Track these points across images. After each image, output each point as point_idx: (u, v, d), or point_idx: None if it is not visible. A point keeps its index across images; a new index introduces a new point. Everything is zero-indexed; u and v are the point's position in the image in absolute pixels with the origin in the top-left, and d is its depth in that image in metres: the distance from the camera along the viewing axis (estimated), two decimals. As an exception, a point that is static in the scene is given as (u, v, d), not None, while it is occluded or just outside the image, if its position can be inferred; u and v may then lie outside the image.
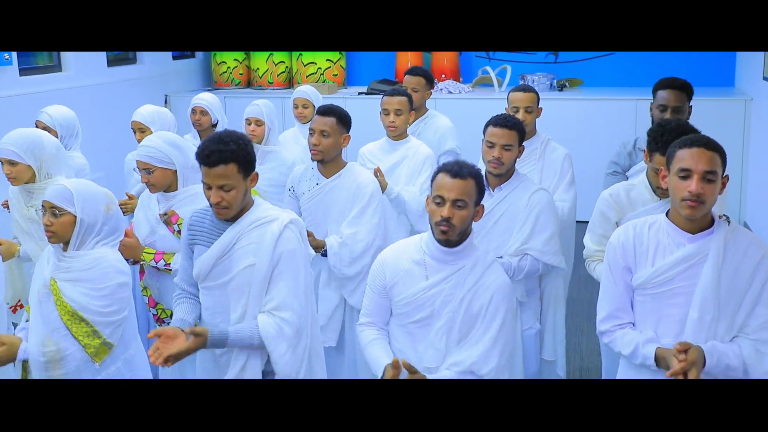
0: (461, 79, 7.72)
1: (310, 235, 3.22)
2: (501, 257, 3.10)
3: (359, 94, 7.34)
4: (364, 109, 6.43)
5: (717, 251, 2.25)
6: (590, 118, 6.80)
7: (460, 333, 2.41)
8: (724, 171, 2.28)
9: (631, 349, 2.32)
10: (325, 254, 3.34)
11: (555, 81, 7.34)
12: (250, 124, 4.13)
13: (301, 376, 2.59)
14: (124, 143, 4.42)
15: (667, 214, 2.35)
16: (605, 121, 6.73)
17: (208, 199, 2.51)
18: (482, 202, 3.15)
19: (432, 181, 2.47)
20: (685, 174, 2.22)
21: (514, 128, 3.09)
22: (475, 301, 2.40)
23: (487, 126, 3.13)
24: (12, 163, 3.17)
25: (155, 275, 3.11)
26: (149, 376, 2.77)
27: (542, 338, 3.38)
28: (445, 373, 2.37)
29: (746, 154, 6.62)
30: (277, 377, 2.57)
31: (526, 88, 3.69)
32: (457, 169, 2.40)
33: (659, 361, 2.25)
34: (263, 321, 2.51)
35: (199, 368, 2.73)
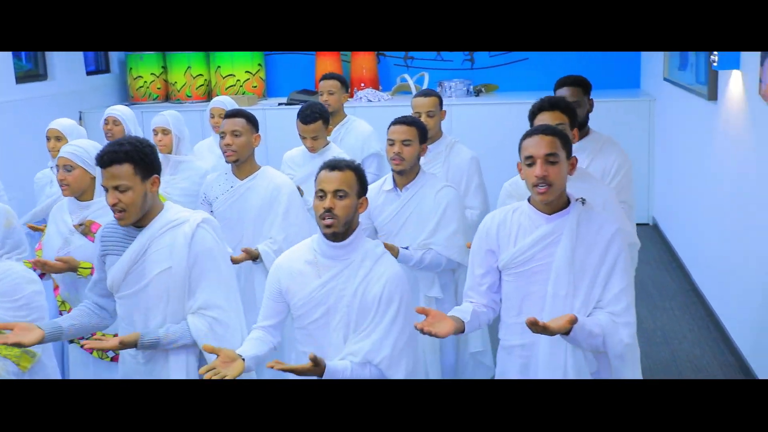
0: (380, 88, 7.83)
1: (244, 250, 3.26)
2: (407, 248, 3.18)
3: (279, 104, 7.36)
4: (285, 119, 6.47)
5: (570, 230, 2.41)
6: (506, 122, 6.98)
7: (357, 325, 2.46)
8: (569, 153, 2.44)
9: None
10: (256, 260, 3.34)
11: (471, 86, 7.53)
12: (157, 134, 4.13)
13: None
14: (39, 163, 4.33)
15: (528, 200, 2.50)
16: (521, 125, 6.91)
17: (109, 205, 2.50)
18: (390, 204, 3.26)
19: (315, 180, 2.52)
20: (530, 161, 2.40)
21: (413, 125, 3.21)
22: (368, 293, 2.45)
23: (389, 127, 3.25)
24: None
25: (73, 288, 3.09)
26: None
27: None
28: (343, 363, 2.41)
29: (652, 153, 6.94)
30: None
31: (427, 93, 3.78)
32: (335, 163, 2.49)
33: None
34: (193, 321, 2.53)
35: (121, 375, 2.72)
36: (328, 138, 4.26)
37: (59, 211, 3.16)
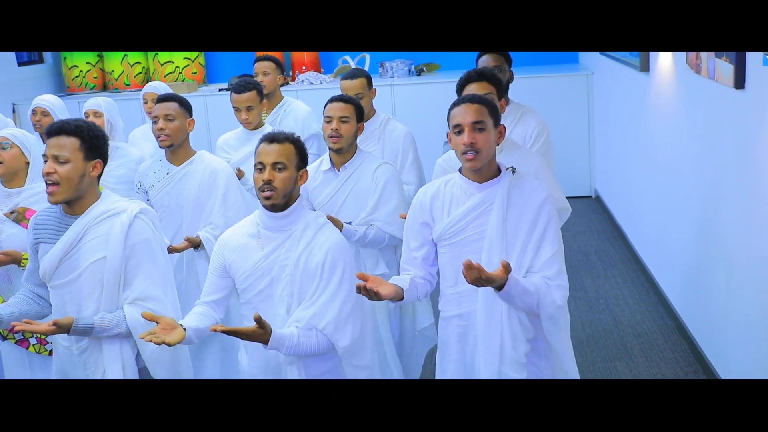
0: (322, 70, 7.79)
1: (186, 239, 3.23)
2: (349, 223, 3.19)
3: (220, 90, 7.27)
4: (226, 105, 6.32)
5: (501, 198, 2.44)
6: (448, 100, 7.01)
7: (300, 294, 2.47)
8: (497, 122, 2.48)
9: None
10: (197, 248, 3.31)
11: (413, 66, 7.54)
12: (88, 116, 4.05)
13: (176, 373, 2.60)
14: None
15: (459, 171, 2.53)
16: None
17: (43, 176, 2.46)
18: (328, 183, 3.25)
19: (255, 154, 2.52)
20: (458, 129, 2.43)
21: (350, 102, 3.22)
22: (311, 261, 2.46)
23: (324, 105, 3.24)
24: None
25: (6, 278, 3.02)
26: None
27: (413, 308, 3.52)
28: (289, 329, 2.41)
29: (592, 127, 7.06)
30: (152, 373, 2.57)
31: (355, 74, 3.75)
32: (274, 136, 2.50)
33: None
34: (129, 311, 2.50)
35: (55, 368, 2.67)
36: (266, 121, 4.23)
37: None
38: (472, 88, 2.93)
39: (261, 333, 2.32)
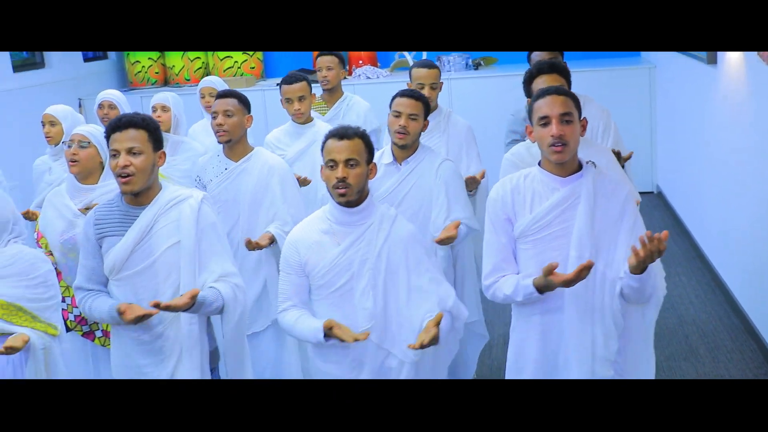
0: (378, 64, 7.78)
1: (265, 238, 3.26)
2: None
3: (277, 85, 7.29)
4: (283, 99, 6.44)
5: (588, 192, 2.39)
6: (506, 95, 6.95)
7: (385, 287, 2.48)
8: (580, 115, 2.43)
9: (512, 288, 2.42)
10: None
11: (470, 60, 7.48)
12: (156, 110, 4.13)
13: (244, 351, 2.68)
14: (37, 151, 4.33)
15: (539, 164, 2.48)
16: (521, 98, 6.89)
17: (114, 170, 2.51)
18: (390, 177, 3.25)
19: (322, 150, 2.53)
20: (545, 121, 2.38)
21: (420, 100, 3.19)
22: (393, 254, 2.49)
23: (393, 98, 3.22)
24: None
25: (75, 274, 3.10)
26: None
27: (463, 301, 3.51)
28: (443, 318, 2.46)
29: (653, 121, 6.90)
30: (226, 349, 2.65)
31: (430, 65, 3.73)
32: (343, 132, 2.51)
33: (541, 288, 2.36)
34: (222, 287, 2.57)
35: (114, 360, 2.71)
36: (328, 116, 4.24)
37: (57, 196, 3.16)
38: (543, 81, 2.89)
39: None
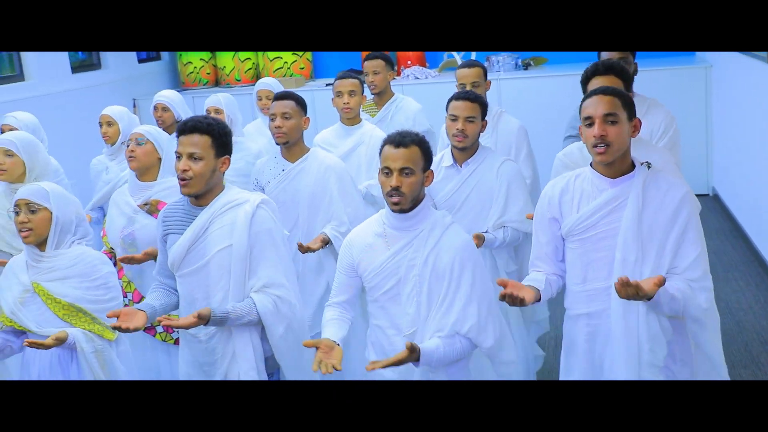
0: (427, 65, 7.76)
1: (319, 240, 3.26)
2: (486, 232, 3.16)
3: (327, 85, 7.35)
4: (333, 99, 6.47)
5: (636, 194, 2.34)
6: (557, 95, 6.86)
7: (429, 294, 2.46)
8: (631, 115, 2.38)
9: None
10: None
11: (520, 60, 7.41)
12: (209, 113, 4.18)
13: (302, 359, 2.65)
14: (93, 150, 4.43)
15: (591, 165, 2.45)
16: (572, 98, 6.78)
17: (177, 173, 2.56)
18: (450, 180, 3.23)
19: (380, 154, 2.52)
20: (589, 122, 2.35)
21: (476, 101, 3.16)
22: (439, 261, 2.46)
23: (449, 101, 3.20)
24: (9, 155, 3.27)
25: (137, 270, 3.18)
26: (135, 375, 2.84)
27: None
28: (433, 341, 2.41)
29: (709, 122, 6.73)
30: (278, 359, 2.64)
31: (472, 64, 3.72)
32: (400, 139, 2.47)
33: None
34: (259, 299, 2.57)
35: (182, 355, 2.76)
36: (377, 117, 4.25)
37: (120, 195, 3.25)
38: (599, 82, 2.84)
39: (412, 356, 2.33)
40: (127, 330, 2.43)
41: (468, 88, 3.61)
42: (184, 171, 2.53)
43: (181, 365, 2.78)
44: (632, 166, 2.41)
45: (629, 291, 2.14)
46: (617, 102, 2.35)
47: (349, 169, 3.70)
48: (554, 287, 2.51)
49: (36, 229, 2.61)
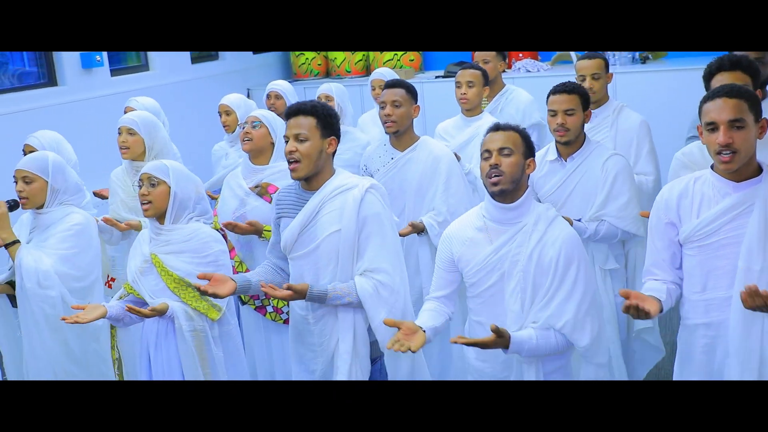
0: (539, 58, 7.60)
1: (410, 224, 3.28)
2: (579, 219, 3.07)
3: (436, 77, 7.34)
4: (442, 92, 6.43)
5: (764, 199, 2.19)
6: (676, 90, 6.56)
7: (534, 290, 2.40)
8: (758, 116, 2.21)
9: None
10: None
11: (638, 54, 7.13)
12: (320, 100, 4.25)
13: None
14: (210, 136, 4.61)
15: (712, 167, 2.30)
16: (692, 92, 6.46)
17: (285, 155, 2.62)
18: (555, 174, 3.14)
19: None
20: (712, 127, 2.20)
21: (574, 92, 3.07)
22: (544, 256, 2.39)
23: (548, 97, 3.12)
24: (131, 133, 3.44)
25: (248, 249, 3.29)
26: (242, 353, 2.92)
27: None
28: (527, 331, 2.36)
29: None
30: (380, 344, 2.65)
31: (592, 55, 3.62)
32: (499, 125, 2.47)
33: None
34: (360, 281, 2.60)
35: (291, 335, 2.83)
36: (487, 109, 4.20)
37: (233, 177, 3.38)
38: (724, 78, 2.67)
39: (500, 341, 2.29)
40: (213, 295, 2.50)
41: (588, 80, 3.52)
42: (291, 152, 2.58)
43: (291, 345, 2.85)
44: (759, 170, 2.25)
45: (757, 301, 2.02)
46: (744, 106, 2.19)
47: (465, 161, 3.69)
48: (674, 297, 2.38)
49: (155, 202, 2.73)
